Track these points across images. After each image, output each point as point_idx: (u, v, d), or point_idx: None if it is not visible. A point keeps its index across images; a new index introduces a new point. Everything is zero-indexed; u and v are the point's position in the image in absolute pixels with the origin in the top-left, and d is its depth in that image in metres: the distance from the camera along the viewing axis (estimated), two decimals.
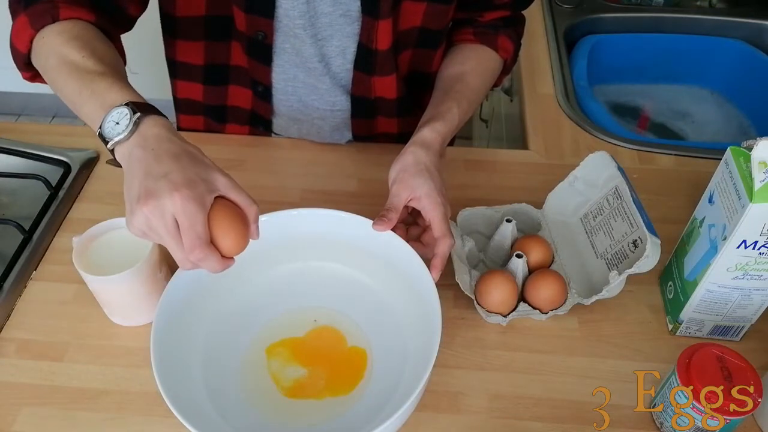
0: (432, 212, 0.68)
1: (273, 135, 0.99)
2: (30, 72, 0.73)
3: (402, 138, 0.94)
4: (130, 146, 0.57)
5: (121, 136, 0.57)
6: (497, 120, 1.53)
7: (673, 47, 1.25)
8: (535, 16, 1.24)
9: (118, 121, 0.57)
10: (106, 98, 0.60)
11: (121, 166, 0.58)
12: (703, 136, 1.20)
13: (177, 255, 0.55)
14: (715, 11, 1.28)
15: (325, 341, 0.72)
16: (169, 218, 0.53)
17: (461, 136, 0.99)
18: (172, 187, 0.53)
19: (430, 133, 0.74)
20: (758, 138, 0.59)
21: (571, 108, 1.04)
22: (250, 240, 0.59)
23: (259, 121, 0.96)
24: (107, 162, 0.59)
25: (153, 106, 0.59)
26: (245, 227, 0.58)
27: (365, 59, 0.84)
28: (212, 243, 0.55)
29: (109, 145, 0.58)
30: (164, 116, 0.59)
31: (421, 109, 0.83)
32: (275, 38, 0.82)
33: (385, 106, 0.91)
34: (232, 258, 0.57)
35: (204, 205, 0.54)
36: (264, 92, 0.90)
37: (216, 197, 0.56)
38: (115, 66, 0.66)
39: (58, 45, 0.66)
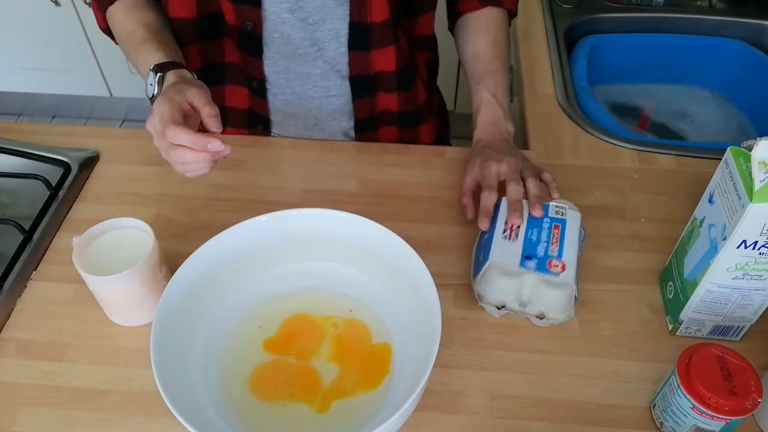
0: (481, 171, 0.80)
1: (273, 135, 0.99)
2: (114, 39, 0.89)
3: (402, 119, 0.96)
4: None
5: (153, 93, 0.75)
6: None
7: (673, 47, 1.25)
8: (535, 16, 1.24)
9: (152, 83, 0.75)
10: (146, 65, 0.77)
11: None
12: (703, 136, 1.20)
13: (160, 144, 0.69)
14: (715, 11, 1.27)
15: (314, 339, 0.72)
16: (157, 117, 0.68)
17: (461, 136, 0.99)
18: (159, 99, 0.70)
19: (484, 115, 0.87)
20: (758, 138, 0.59)
21: (571, 108, 1.04)
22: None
23: (257, 120, 0.96)
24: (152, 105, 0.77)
25: (173, 62, 0.77)
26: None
27: (360, 37, 0.85)
28: None
29: (151, 101, 0.75)
30: (181, 66, 0.76)
31: (420, 78, 0.87)
32: (264, 27, 0.84)
33: (385, 79, 0.92)
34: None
35: (172, 101, 0.68)
36: (258, 87, 0.91)
37: None
38: (157, 30, 0.82)
39: (119, 23, 0.85)
